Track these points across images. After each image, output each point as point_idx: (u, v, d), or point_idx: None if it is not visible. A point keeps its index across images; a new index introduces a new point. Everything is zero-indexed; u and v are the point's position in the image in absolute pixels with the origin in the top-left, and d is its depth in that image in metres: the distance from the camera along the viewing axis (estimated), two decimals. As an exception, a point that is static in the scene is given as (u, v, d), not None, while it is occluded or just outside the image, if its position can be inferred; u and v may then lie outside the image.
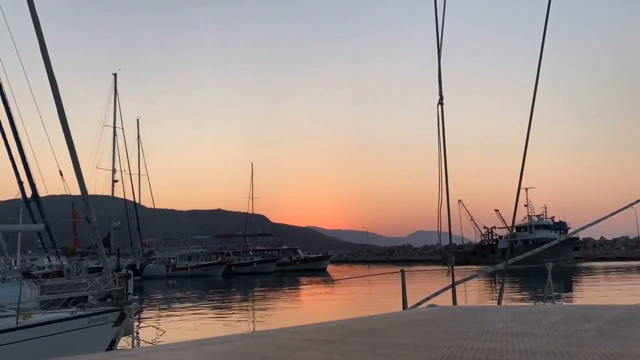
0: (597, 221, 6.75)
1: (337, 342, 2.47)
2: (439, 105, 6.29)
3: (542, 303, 8.67)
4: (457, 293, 6.45)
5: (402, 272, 7.18)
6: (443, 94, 6.31)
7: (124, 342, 14.27)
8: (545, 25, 5.91)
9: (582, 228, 7.35)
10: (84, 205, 11.80)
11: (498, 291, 7.41)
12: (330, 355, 2.07)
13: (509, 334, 2.48)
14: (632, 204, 6.48)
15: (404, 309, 6.00)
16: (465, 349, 2.08)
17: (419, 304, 5.95)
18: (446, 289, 6.42)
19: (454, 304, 5.94)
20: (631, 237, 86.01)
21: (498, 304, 6.56)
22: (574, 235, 77.08)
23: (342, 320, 3.52)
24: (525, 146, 6.13)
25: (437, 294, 6.27)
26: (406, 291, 6.70)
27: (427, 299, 6.06)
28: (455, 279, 6.41)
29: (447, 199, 6.23)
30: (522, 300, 24.84)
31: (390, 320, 3.53)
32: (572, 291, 29.00)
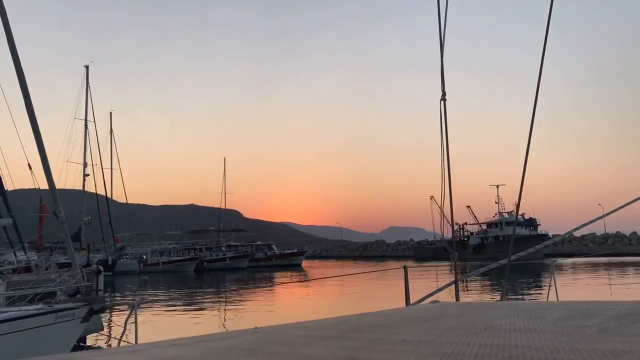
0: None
1: (340, 338, 2.47)
2: (442, 102, 6.30)
3: (545, 299, 8.76)
4: (459, 289, 6.47)
5: (405, 268, 7.19)
6: (446, 90, 6.32)
7: (93, 340, 14.11)
8: (547, 24, 5.94)
9: (577, 228, 7.38)
10: (51, 199, 11.58)
11: (500, 287, 7.45)
12: (332, 351, 2.07)
13: (512, 330, 2.50)
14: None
15: (406, 305, 6.00)
16: (469, 345, 2.07)
17: (421, 300, 5.97)
18: (449, 284, 6.43)
19: (456, 300, 5.96)
20: (598, 233, 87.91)
21: (501, 299, 6.60)
22: (543, 232, 78.63)
23: (344, 316, 3.51)
24: (527, 144, 6.15)
25: (440, 290, 6.29)
26: (409, 287, 6.70)
27: (430, 295, 6.09)
28: (435, 275, 6.43)
29: (449, 194, 6.26)
30: (524, 296, 25.10)
31: (392, 316, 3.53)
32: (544, 287, 29.43)
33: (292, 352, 2.09)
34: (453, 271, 6.47)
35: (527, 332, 2.40)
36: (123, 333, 8.60)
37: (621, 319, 2.75)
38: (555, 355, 1.78)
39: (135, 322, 7.54)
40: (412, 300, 6.20)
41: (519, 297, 24.17)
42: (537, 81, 6.17)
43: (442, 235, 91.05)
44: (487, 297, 24.82)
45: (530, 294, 25.27)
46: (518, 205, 7.05)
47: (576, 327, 2.51)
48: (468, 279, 29.97)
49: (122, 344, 9.56)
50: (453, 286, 6.38)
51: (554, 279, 7.64)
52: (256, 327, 2.98)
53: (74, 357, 2.03)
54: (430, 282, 27.30)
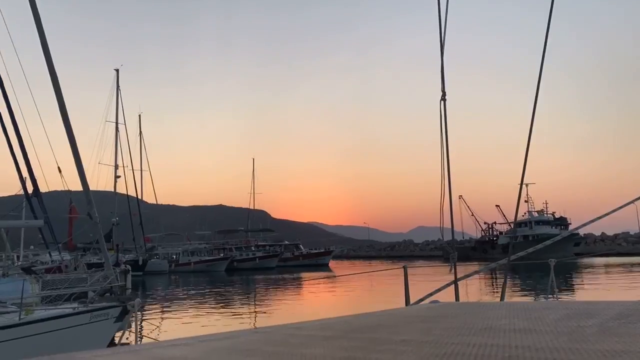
0: (598, 218, 6.74)
1: (340, 338, 2.48)
2: (442, 102, 6.29)
3: (545, 299, 8.67)
4: (460, 289, 6.44)
5: (405, 268, 7.17)
6: (446, 90, 6.31)
7: (121, 337, 14.32)
8: (548, 24, 5.89)
9: (584, 224, 7.32)
10: (85, 201, 11.82)
11: (500, 287, 7.39)
12: (333, 351, 2.08)
13: (512, 330, 2.50)
14: (634, 200, 6.46)
15: (406, 305, 6.00)
16: (468, 345, 2.09)
17: (421, 300, 5.95)
18: (449, 285, 6.41)
19: (456, 300, 5.94)
20: (632, 232, 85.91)
21: (501, 300, 6.55)
22: (574, 231, 77.34)
23: (344, 317, 3.52)
24: (527, 142, 6.12)
25: (439, 290, 6.25)
26: (409, 287, 6.69)
27: (430, 295, 6.05)
28: (458, 275, 6.40)
29: (449, 195, 6.23)
30: (524, 296, 24.79)
31: (392, 316, 3.54)
32: (573, 287, 28.96)
33: (292, 352, 2.10)
34: (453, 271, 6.43)
35: (527, 332, 2.39)
36: (123, 333, 8.67)
37: (621, 319, 2.74)
38: (555, 356, 1.78)
39: (136, 323, 7.62)
40: (411, 301, 6.20)
41: (519, 297, 23.86)
42: (537, 81, 6.12)
43: (463, 234, 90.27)
44: (487, 298, 24.52)
45: (530, 295, 24.91)
46: (518, 206, 6.96)
47: (576, 327, 2.50)
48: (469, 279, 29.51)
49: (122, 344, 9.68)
50: (453, 286, 6.35)
51: (553, 279, 7.53)
52: (256, 327, 3.00)
53: (74, 357, 2.09)
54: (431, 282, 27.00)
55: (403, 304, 6.18)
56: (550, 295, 8.00)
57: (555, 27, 5.95)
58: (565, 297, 19.68)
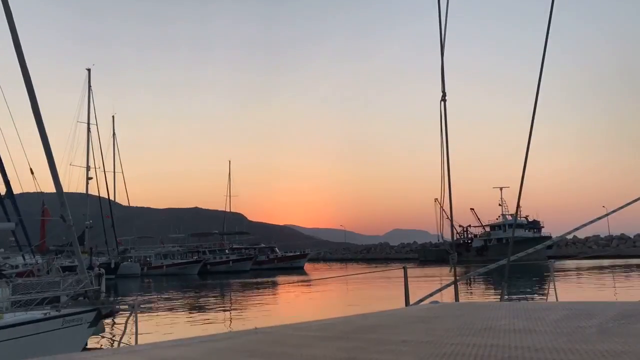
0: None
1: (340, 338, 2.47)
2: (442, 102, 6.30)
3: (544, 300, 8.76)
4: (459, 290, 6.46)
5: (405, 269, 7.20)
6: (446, 91, 6.32)
7: (93, 342, 14.07)
8: (549, 24, 5.94)
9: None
10: (59, 203, 11.61)
11: (500, 288, 7.44)
12: (332, 352, 2.07)
13: (512, 330, 2.50)
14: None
15: (406, 305, 6.00)
16: (468, 345, 2.08)
17: (421, 300, 5.95)
18: (448, 285, 6.42)
19: (456, 301, 5.96)
20: (602, 235, 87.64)
21: (500, 300, 6.60)
22: (546, 234, 78.42)
23: (344, 317, 3.51)
24: (527, 144, 6.16)
25: (439, 290, 6.27)
26: (408, 288, 6.70)
27: (430, 295, 6.07)
28: (457, 276, 6.41)
29: (449, 195, 6.26)
30: (524, 297, 25.02)
31: (392, 317, 3.54)
32: (545, 288, 29.30)
33: (292, 352, 2.09)
34: (452, 272, 6.46)
35: (527, 332, 2.40)
36: (123, 334, 8.60)
37: (621, 319, 2.76)
38: (555, 356, 1.79)
39: (136, 323, 7.55)
40: (411, 301, 6.21)
41: (519, 297, 24.15)
42: (537, 83, 6.17)
43: (441, 237, 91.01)
44: (486, 298, 24.78)
45: (530, 295, 25.23)
46: (517, 207, 7.06)
47: (576, 327, 2.51)
48: (470, 279, 29.89)
49: (121, 344, 9.57)
50: (452, 287, 6.37)
51: (553, 280, 7.63)
52: (256, 328, 2.99)
53: (74, 358, 2.04)
54: (430, 283, 27.22)
55: (403, 305, 6.18)
56: (548, 296, 8.08)
57: (552, 33, 5.99)
58: (565, 298, 19.92)
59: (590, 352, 1.84)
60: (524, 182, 6.41)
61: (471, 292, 26.83)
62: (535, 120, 6.24)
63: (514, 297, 23.78)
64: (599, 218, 6.75)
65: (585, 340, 2.11)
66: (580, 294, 25.70)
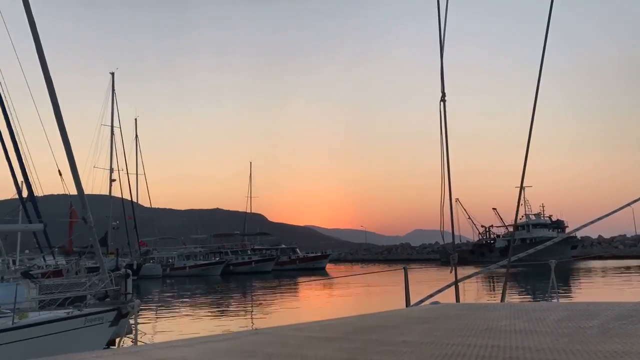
0: (595, 220, 6.74)
1: (341, 339, 2.47)
2: (442, 103, 6.27)
3: (545, 300, 8.68)
4: (460, 290, 6.43)
5: (405, 269, 7.16)
6: (446, 92, 6.29)
7: (120, 342, 14.25)
8: (548, 24, 5.90)
9: (582, 226, 7.33)
10: (80, 204, 11.77)
11: (501, 288, 7.39)
12: (333, 353, 2.08)
13: (513, 331, 2.49)
14: (631, 203, 6.46)
15: (407, 306, 5.98)
16: (469, 346, 2.07)
17: (422, 301, 5.94)
18: (449, 286, 6.39)
19: (457, 302, 5.93)
20: (629, 235, 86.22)
21: (501, 301, 6.55)
22: (571, 234, 77.65)
23: (345, 318, 3.52)
24: (527, 144, 6.11)
25: (440, 291, 6.25)
26: (409, 288, 6.68)
27: (430, 296, 6.05)
28: (458, 277, 6.38)
29: (449, 197, 6.22)
30: (525, 297, 24.80)
31: (393, 317, 3.53)
32: (570, 289, 29.00)
33: (292, 353, 2.09)
34: (453, 272, 6.41)
35: (528, 333, 2.39)
36: (123, 335, 8.67)
37: (621, 320, 2.74)
38: (556, 357, 1.78)
39: (136, 324, 7.62)
40: (412, 302, 6.19)
41: (520, 298, 23.90)
42: (537, 81, 6.12)
43: (460, 237, 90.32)
44: (487, 299, 24.55)
45: (531, 296, 24.95)
46: (517, 208, 6.98)
47: (577, 328, 2.50)
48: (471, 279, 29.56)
49: (122, 345, 9.67)
50: (453, 288, 6.33)
51: (554, 280, 7.55)
52: (256, 329, 2.99)
53: (75, 358, 2.07)
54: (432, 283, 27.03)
55: (403, 305, 6.16)
56: (551, 296, 8.00)
57: (551, 31, 5.94)
58: (565, 299, 19.68)
59: (591, 352, 1.83)
60: (524, 182, 6.35)
61: (471, 293, 26.60)
62: (535, 119, 6.17)
63: (515, 298, 23.56)
64: (605, 216, 6.66)
65: (586, 341, 2.10)
66: (580, 295, 25.39)
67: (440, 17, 6.19)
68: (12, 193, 22.24)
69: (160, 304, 30.00)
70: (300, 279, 49.58)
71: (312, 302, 30.09)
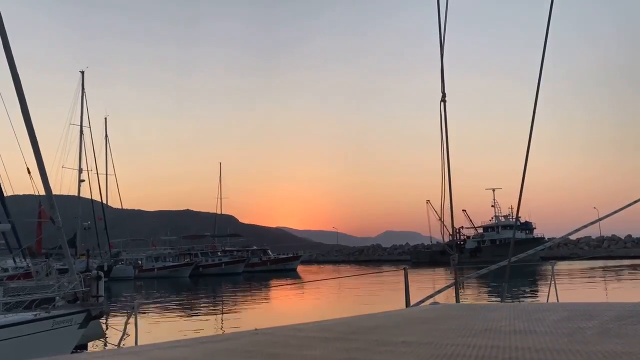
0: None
1: (341, 339, 2.47)
2: (442, 103, 6.28)
3: (545, 301, 8.76)
4: (459, 291, 6.46)
5: (405, 270, 7.19)
6: (446, 92, 6.30)
7: (92, 345, 14.03)
8: (548, 25, 5.95)
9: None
10: (48, 205, 11.57)
11: (496, 289, 7.44)
12: (333, 353, 2.08)
13: (512, 331, 2.51)
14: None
15: (406, 306, 6.00)
16: (469, 346, 2.09)
17: (421, 301, 5.95)
18: (449, 286, 6.41)
19: (457, 302, 5.96)
20: (593, 237, 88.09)
21: (501, 301, 6.59)
22: (539, 236, 78.67)
23: (345, 318, 3.51)
24: (528, 143, 6.15)
25: (439, 291, 6.26)
26: (409, 289, 6.69)
27: (430, 296, 6.06)
28: (458, 277, 6.40)
29: (450, 196, 6.25)
30: (524, 298, 25.05)
31: (393, 318, 3.54)
32: (540, 290, 29.47)
33: (292, 353, 2.09)
34: (453, 273, 6.45)
35: (527, 333, 2.41)
36: (123, 335, 8.56)
37: (621, 320, 2.77)
38: (555, 357, 1.79)
39: (135, 324, 7.54)
40: (411, 302, 6.21)
41: (519, 299, 24.19)
42: (537, 82, 6.17)
43: (431, 238, 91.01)
44: (486, 299, 24.80)
45: (530, 296, 25.29)
46: (518, 208, 7.06)
47: (576, 328, 2.52)
48: (469, 280, 29.93)
49: (122, 346, 9.52)
50: (453, 288, 6.37)
51: (554, 281, 7.64)
52: (256, 329, 2.99)
53: (73, 358, 2.03)
54: (427, 285, 27.31)
55: (403, 305, 6.17)
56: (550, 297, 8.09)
57: (556, 29, 5.95)
58: (565, 299, 20.05)
59: (591, 352, 1.85)
60: (524, 182, 6.41)
61: (471, 294, 26.85)
62: (534, 121, 6.21)
63: (515, 298, 23.84)
64: (594, 222, 6.78)
65: (585, 341, 2.12)
66: (580, 295, 25.80)
67: (440, 17, 6.21)
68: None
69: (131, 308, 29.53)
70: (273, 282, 49.43)
71: (284, 305, 30.01)
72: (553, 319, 2.94)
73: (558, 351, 1.91)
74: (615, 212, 6.49)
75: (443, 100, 6.28)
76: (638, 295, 25.58)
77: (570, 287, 31.35)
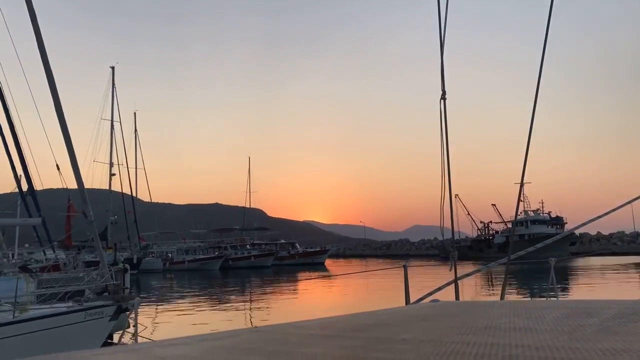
0: (596, 218, 6.74)
1: (341, 337, 2.46)
2: (442, 101, 6.26)
3: (545, 298, 8.68)
4: (459, 288, 6.43)
5: (405, 267, 7.17)
6: (446, 89, 6.28)
7: (118, 337, 14.29)
8: (548, 22, 5.88)
9: (582, 225, 7.33)
10: (80, 199, 11.78)
11: (500, 286, 7.40)
12: (333, 350, 2.07)
13: (512, 329, 2.49)
14: (632, 201, 6.47)
15: (406, 304, 5.99)
16: (469, 344, 2.07)
17: (421, 299, 5.92)
18: (449, 284, 6.39)
19: (456, 299, 5.93)
20: (627, 232, 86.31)
21: (501, 299, 6.54)
22: (572, 231, 77.51)
23: (345, 315, 3.51)
24: (527, 141, 6.10)
25: (439, 289, 6.23)
26: (409, 286, 6.68)
27: (430, 294, 6.03)
28: (458, 274, 6.38)
29: (449, 193, 6.22)
30: (524, 295, 24.83)
31: (392, 315, 3.53)
32: (569, 286, 29.05)
33: (292, 351, 2.09)
34: (453, 270, 6.42)
35: (527, 331, 2.39)
36: (123, 333, 8.67)
37: (621, 317, 2.73)
38: (555, 355, 1.77)
39: (136, 322, 7.64)
40: (412, 299, 6.19)
41: (519, 296, 23.92)
42: (537, 80, 6.11)
43: (442, 234, 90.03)
44: (487, 297, 24.58)
45: (530, 294, 24.99)
46: (518, 203, 6.97)
47: (576, 326, 2.49)
48: (472, 277, 29.57)
49: (121, 343, 9.67)
50: (453, 285, 6.33)
51: (553, 278, 7.55)
52: (257, 326, 3.00)
53: (73, 356, 2.06)
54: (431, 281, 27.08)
55: (403, 303, 6.16)
56: (550, 293, 8.01)
57: (557, 24, 5.92)
58: (565, 296, 19.74)
59: (591, 350, 1.83)
60: (524, 179, 6.33)
61: (472, 291, 26.62)
62: (535, 118, 6.16)
63: (515, 295, 23.58)
64: (607, 213, 6.66)
65: (585, 339, 2.10)
66: (580, 294, 25.45)
67: (441, 15, 6.15)
68: (12, 187, 22.27)
69: (161, 300, 29.99)
70: (301, 276, 49.64)
71: (312, 298, 30.14)
72: (553, 317, 2.90)
73: (558, 349, 1.88)
74: (627, 203, 6.38)
75: (443, 98, 6.24)
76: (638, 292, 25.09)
77: (603, 283, 30.87)
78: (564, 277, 32.96)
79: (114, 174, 63.81)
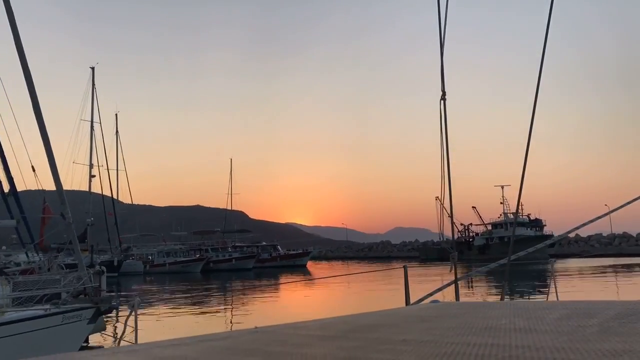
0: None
1: (340, 338, 2.47)
2: (442, 101, 6.28)
3: (545, 299, 8.72)
4: (459, 289, 6.45)
5: (405, 267, 7.18)
6: (446, 90, 6.30)
7: (92, 339, 14.10)
8: (548, 23, 5.92)
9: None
10: (59, 200, 11.63)
11: (500, 287, 7.43)
12: (333, 351, 2.07)
13: (513, 329, 2.50)
14: (631, 202, 6.52)
15: (406, 304, 6.00)
16: (469, 344, 2.08)
17: (421, 299, 5.95)
18: (449, 284, 6.41)
19: (456, 300, 5.95)
20: (604, 234, 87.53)
21: (501, 299, 6.57)
22: (549, 232, 78.20)
23: (344, 316, 3.51)
24: (527, 142, 6.12)
25: (439, 289, 6.26)
26: (409, 287, 6.69)
27: (430, 294, 6.06)
28: (458, 275, 6.39)
29: (449, 194, 6.25)
30: (524, 296, 24.97)
31: (393, 316, 3.54)
32: (544, 287, 29.28)
33: (292, 352, 2.09)
34: (453, 271, 6.44)
35: (528, 332, 2.40)
36: (123, 333, 8.59)
37: (621, 318, 2.75)
38: (556, 355, 1.78)
39: (135, 322, 7.57)
40: (412, 300, 6.21)
41: (520, 297, 24.08)
42: (537, 79, 6.14)
43: (441, 235, 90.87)
44: (487, 297, 24.73)
45: (531, 294, 25.17)
46: (518, 205, 7.03)
47: (576, 327, 2.51)
48: (471, 278, 29.84)
49: (122, 343, 9.57)
50: (453, 286, 6.36)
51: (554, 279, 7.61)
52: (256, 327, 2.99)
53: (73, 357, 2.04)
54: (431, 283, 27.20)
55: (402, 304, 6.17)
56: (550, 294, 8.06)
57: (553, 28, 5.95)
58: (565, 297, 19.96)
59: (591, 351, 1.83)
60: (524, 179, 6.39)
61: (471, 292, 26.77)
62: (535, 117, 6.20)
63: (515, 296, 23.73)
64: (600, 217, 6.73)
65: (585, 340, 2.10)
66: (580, 294, 25.68)
67: (441, 15, 6.18)
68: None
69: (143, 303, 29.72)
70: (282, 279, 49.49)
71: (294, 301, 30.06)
72: (553, 318, 2.92)
73: (558, 349, 1.89)
74: (620, 207, 6.45)
75: (443, 98, 6.28)
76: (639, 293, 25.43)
77: (578, 285, 31.20)
78: (544, 280, 33.26)
79: (94, 176, 63.11)
